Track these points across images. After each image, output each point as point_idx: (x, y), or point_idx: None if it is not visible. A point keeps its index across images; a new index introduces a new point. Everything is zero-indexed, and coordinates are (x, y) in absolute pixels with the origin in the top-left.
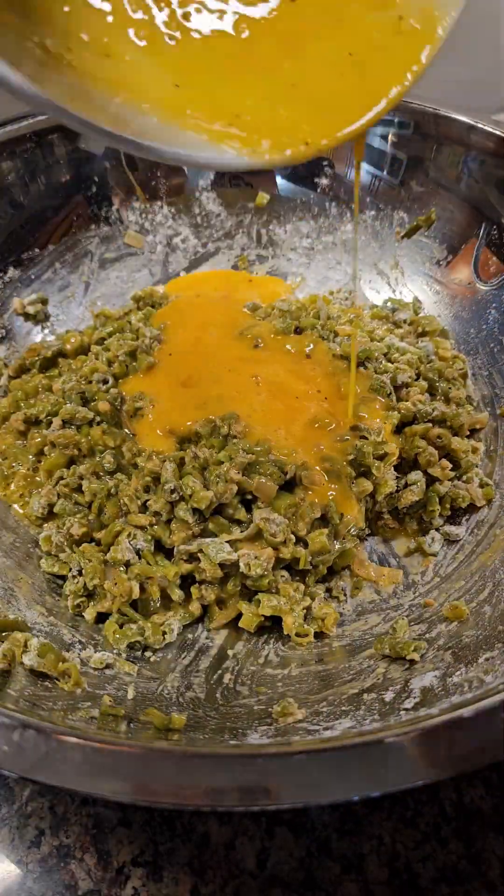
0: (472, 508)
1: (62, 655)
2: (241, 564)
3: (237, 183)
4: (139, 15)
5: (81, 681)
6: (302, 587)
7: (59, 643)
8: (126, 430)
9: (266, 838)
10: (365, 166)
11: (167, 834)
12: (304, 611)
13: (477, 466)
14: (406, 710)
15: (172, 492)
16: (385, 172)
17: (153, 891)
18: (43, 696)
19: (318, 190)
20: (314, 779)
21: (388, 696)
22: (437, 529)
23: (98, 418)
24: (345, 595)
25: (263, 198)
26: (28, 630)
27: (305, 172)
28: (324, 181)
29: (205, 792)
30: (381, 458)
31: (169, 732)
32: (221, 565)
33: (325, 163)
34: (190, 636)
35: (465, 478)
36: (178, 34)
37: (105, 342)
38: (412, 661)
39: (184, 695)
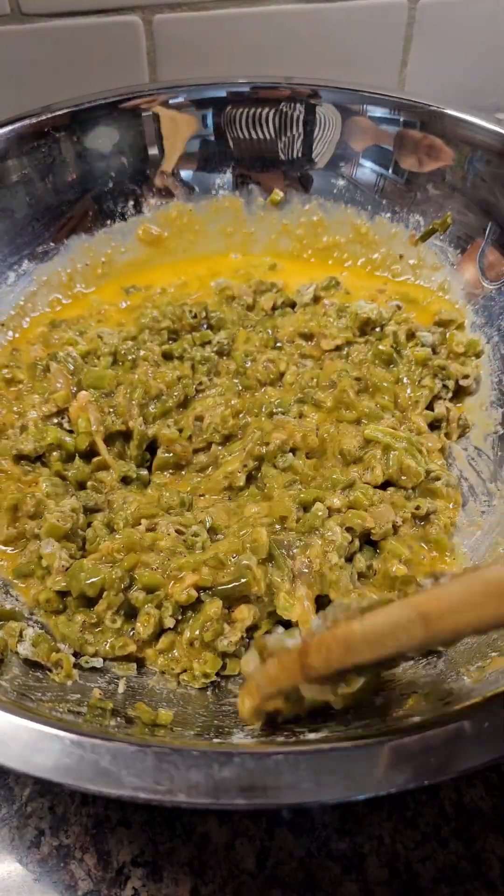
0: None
1: (55, 646)
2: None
3: (246, 181)
4: None
5: (73, 672)
6: None
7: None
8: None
9: (266, 838)
10: (370, 165)
11: (167, 834)
12: None
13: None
14: (393, 717)
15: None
16: (390, 172)
17: (153, 891)
18: (33, 687)
19: (335, 191)
20: (292, 780)
21: (378, 700)
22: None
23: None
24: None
25: (278, 195)
26: (24, 620)
27: (304, 171)
28: (340, 182)
29: (179, 788)
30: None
31: (155, 728)
32: None
33: (341, 164)
34: None
35: (428, 518)
36: None
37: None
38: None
39: (175, 692)
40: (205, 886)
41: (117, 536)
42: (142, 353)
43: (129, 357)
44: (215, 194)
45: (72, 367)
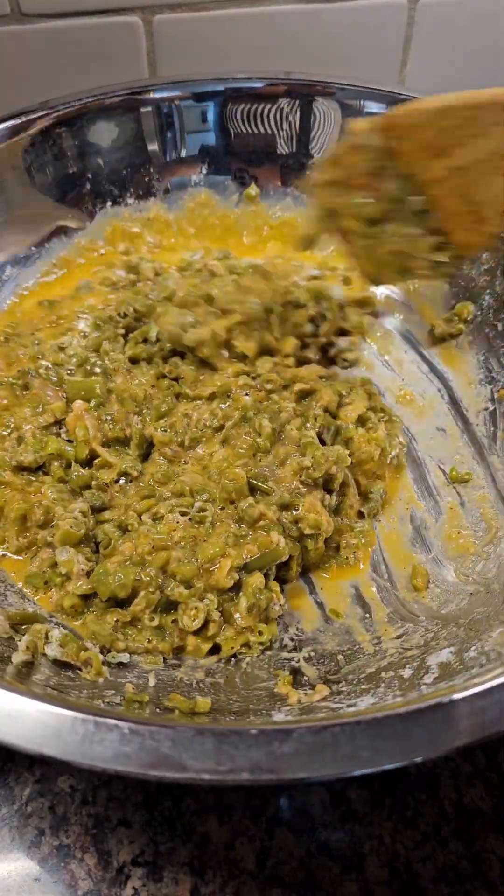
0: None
1: (83, 645)
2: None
3: (241, 175)
4: None
5: (103, 670)
6: None
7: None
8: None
9: (266, 838)
10: None
11: (167, 834)
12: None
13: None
14: (427, 684)
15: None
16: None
17: (153, 891)
18: (68, 686)
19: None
20: (350, 750)
21: (406, 673)
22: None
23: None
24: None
25: (253, 189)
26: (46, 622)
27: (296, 165)
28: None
29: (242, 767)
30: None
31: (195, 716)
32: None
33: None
34: None
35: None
36: None
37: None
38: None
39: (204, 681)
40: (205, 886)
41: (134, 536)
42: (108, 363)
43: (97, 369)
44: (191, 192)
45: (55, 379)
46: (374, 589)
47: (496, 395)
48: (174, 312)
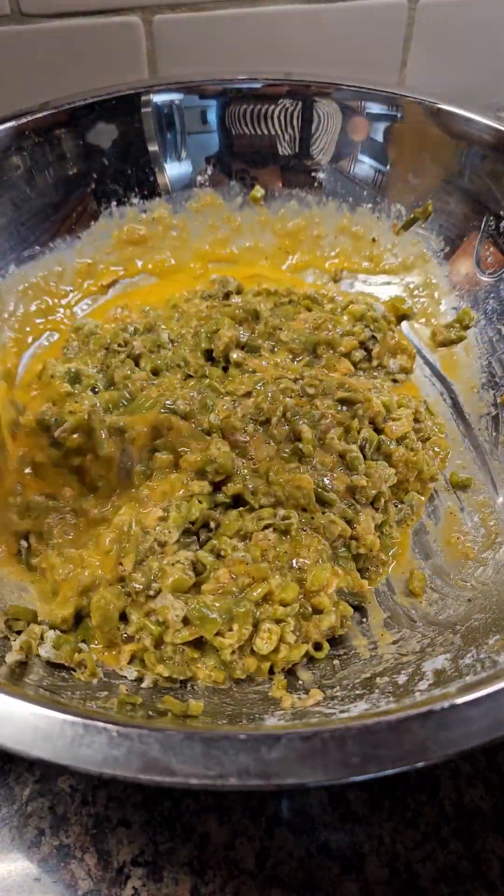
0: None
1: (77, 646)
2: None
3: (242, 176)
4: None
5: (97, 671)
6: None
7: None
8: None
9: (266, 838)
10: (366, 159)
11: (167, 834)
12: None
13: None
14: (421, 691)
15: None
16: (387, 166)
17: (153, 891)
18: (61, 686)
19: (315, 184)
20: (340, 757)
21: (401, 678)
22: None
23: None
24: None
25: (259, 191)
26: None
27: (298, 167)
28: (321, 175)
29: (230, 772)
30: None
31: (187, 719)
32: None
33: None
34: None
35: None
36: None
37: None
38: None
39: (197, 682)
40: (205, 886)
41: (229, 563)
42: (130, 384)
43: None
44: (196, 194)
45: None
46: (372, 593)
47: (499, 400)
48: (227, 323)
